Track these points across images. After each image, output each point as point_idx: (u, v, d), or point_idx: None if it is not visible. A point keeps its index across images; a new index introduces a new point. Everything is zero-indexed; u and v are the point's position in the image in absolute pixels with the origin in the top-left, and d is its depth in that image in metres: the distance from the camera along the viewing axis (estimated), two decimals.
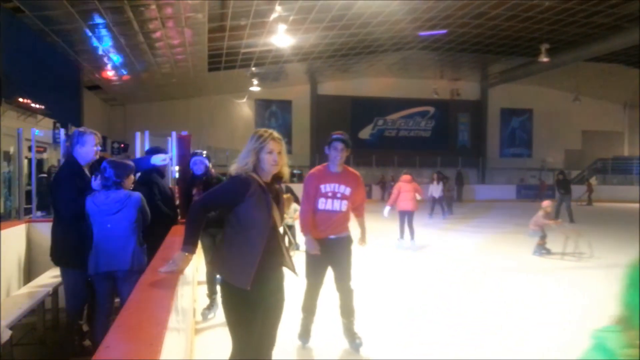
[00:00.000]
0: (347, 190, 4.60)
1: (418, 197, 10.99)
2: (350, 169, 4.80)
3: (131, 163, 4.28)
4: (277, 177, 3.06)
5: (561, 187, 17.17)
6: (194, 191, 5.48)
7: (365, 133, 31.86)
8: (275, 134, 3.01)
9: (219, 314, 5.60)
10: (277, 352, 3.22)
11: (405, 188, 10.76)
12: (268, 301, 3.01)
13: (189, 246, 2.86)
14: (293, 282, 4.17)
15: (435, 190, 17.06)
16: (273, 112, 30.07)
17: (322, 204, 4.59)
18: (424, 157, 29.50)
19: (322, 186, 4.60)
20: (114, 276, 4.04)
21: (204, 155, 5.80)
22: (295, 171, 22.27)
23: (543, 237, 10.07)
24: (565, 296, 6.93)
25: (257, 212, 2.89)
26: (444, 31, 21.35)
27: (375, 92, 30.74)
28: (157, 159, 5.08)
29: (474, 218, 18.06)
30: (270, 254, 2.95)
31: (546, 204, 10.32)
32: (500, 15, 19.74)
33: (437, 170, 23.62)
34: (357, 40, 21.82)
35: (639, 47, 22.14)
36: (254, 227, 2.90)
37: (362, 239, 5.00)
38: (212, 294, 5.73)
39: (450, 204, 19.01)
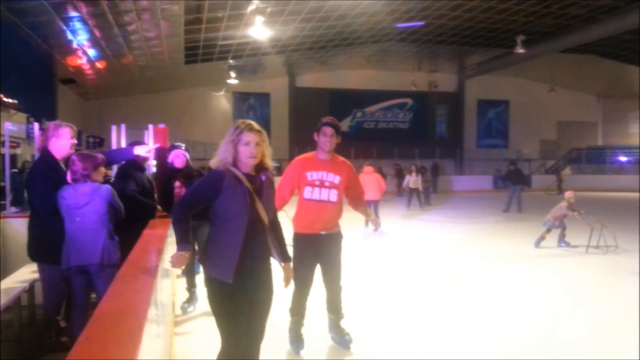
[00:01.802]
0: (337, 179, 4.27)
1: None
2: (341, 157, 4.46)
3: (100, 155, 4.22)
4: (262, 168, 3.04)
5: (510, 178, 16.60)
6: (176, 184, 5.43)
7: (344, 125, 31.83)
8: (254, 125, 2.98)
9: (199, 308, 5.59)
10: (267, 354, 3.20)
11: (367, 179, 11.37)
12: (254, 294, 3.01)
13: (183, 245, 2.90)
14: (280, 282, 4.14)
15: (414, 181, 17.17)
16: (251, 105, 29.92)
17: (309, 192, 4.26)
18: (402, 149, 29.65)
19: (308, 174, 4.26)
20: (87, 270, 4.02)
21: (184, 148, 5.77)
22: (274, 164, 22.15)
23: (561, 229, 9.80)
24: (554, 287, 6.95)
25: (233, 204, 2.89)
26: (421, 23, 21.43)
27: (354, 84, 30.76)
28: (141, 150, 5.03)
29: (452, 209, 18.22)
30: (254, 247, 2.95)
31: (569, 194, 9.93)
32: (477, 7, 19.88)
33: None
34: (335, 32, 21.79)
35: (612, 39, 22.56)
36: (231, 220, 2.90)
37: (373, 222, 4.86)
38: (191, 287, 5.70)
39: (428, 195, 19.17)
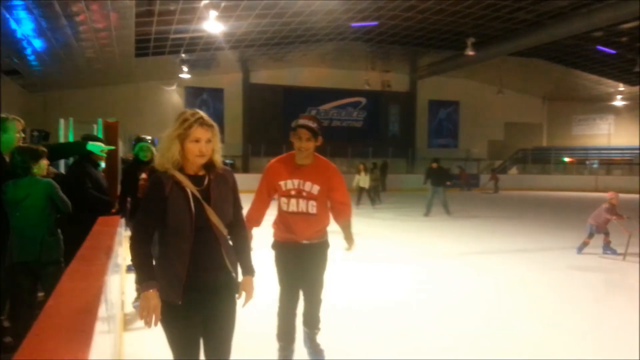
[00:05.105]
0: (315, 189, 3.67)
1: None
2: (324, 160, 3.84)
3: (41, 148, 4.10)
4: (211, 166, 2.63)
5: (431, 178, 14.88)
6: (142, 176, 5.30)
7: None
8: (205, 118, 2.55)
9: None
10: None
11: None
12: (209, 310, 2.63)
13: (146, 283, 2.46)
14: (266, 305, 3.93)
15: (363, 180, 17.30)
16: (204, 100, 29.49)
17: (285, 204, 3.71)
18: (356, 148, 29.89)
19: (282, 183, 3.69)
20: (30, 267, 3.91)
21: (150, 141, 5.66)
22: (227, 161, 21.98)
23: (591, 236, 8.89)
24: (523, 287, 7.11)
25: (176, 214, 2.50)
26: (375, 23, 21.67)
27: (309, 82, 30.80)
28: (95, 147, 4.82)
29: (403, 207, 18.49)
30: (205, 259, 2.56)
31: (611, 195, 8.91)
32: (429, 9, 20.25)
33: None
34: (289, 29, 21.76)
35: (558, 43, 23.43)
36: (176, 233, 2.52)
37: (348, 243, 3.99)
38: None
39: (378, 193, 19.28)
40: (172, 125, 2.56)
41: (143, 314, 2.45)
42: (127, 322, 5.09)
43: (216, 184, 2.63)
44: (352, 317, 5.38)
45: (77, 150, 5.00)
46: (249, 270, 2.77)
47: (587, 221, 9.00)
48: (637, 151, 31.41)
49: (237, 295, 2.73)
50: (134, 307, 5.47)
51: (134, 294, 5.59)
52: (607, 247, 8.89)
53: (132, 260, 2.59)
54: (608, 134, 34.05)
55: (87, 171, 4.95)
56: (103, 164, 6.40)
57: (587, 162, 33.07)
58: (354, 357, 4.29)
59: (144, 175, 5.27)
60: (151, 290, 2.45)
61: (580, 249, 8.90)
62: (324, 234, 3.87)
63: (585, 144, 35.06)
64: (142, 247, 2.51)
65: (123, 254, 6.00)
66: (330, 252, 3.94)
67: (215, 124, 2.61)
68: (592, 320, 5.39)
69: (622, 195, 9.45)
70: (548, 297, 6.30)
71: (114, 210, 5.15)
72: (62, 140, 7.96)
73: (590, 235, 8.86)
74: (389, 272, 7.72)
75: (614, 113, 34.40)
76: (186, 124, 2.50)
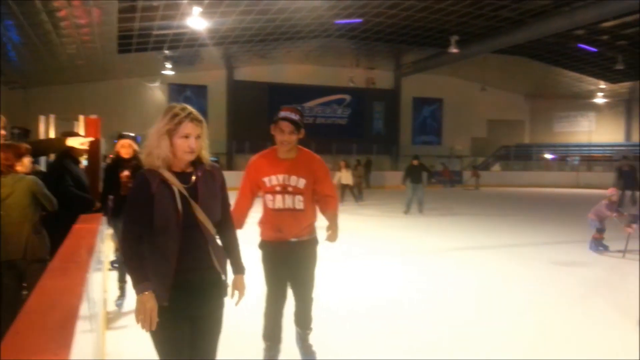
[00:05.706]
0: (302, 183, 3.56)
1: None
2: (308, 152, 3.74)
3: (24, 145, 4.05)
4: (198, 163, 2.56)
5: (411, 175, 14.52)
6: (125, 173, 5.23)
7: None
8: (195, 113, 2.49)
9: (127, 304, 5.34)
10: None
11: None
12: (196, 311, 2.56)
13: (141, 285, 2.38)
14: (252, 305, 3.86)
15: (345, 177, 17.29)
16: (187, 97, 29.22)
17: (270, 201, 3.59)
18: (340, 145, 29.88)
19: (266, 179, 3.57)
20: (15, 265, 3.86)
21: (132, 137, 5.58)
22: (211, 158, 21.71)
23: (600, 231, 8.79)
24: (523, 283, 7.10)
25: (163, 213, 2.42)
26: (359, 20, 21.69)
27: (293, 79, 30.73)
28: (75, 141, 4.75)
29: (387, 203, 18.53)
30: (193, 259, 2.49)
31: (611, 191, 8.95)
32: (414, 6, 20.32)
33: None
34: (274, 25, 21.69)
35: (540, 41, 23.65)
36: (162, 232, 2.43)
37: (331, 232, 3.61)
38: (121, 282, 5.49)
39: (361, 190, 19.29)
40: (159, 120, 2.48)
41: (139, 317, 2.37)
42: (109, 321, 5.05)
43: (204, 181, 2.56)
44: (344, 315, 5.35)
45: (57, 147, 4.93)
46: (239, 269, 2.73)
47: (588, 216, 8.94)
48: (618, 148, 31.84)
49: (229, 295, 2.68)
50: (117, 305, 5.43)
51: (117, 292, 5.54)
52: (600, 243, 8.90)
53: (124, 262, 2.54)
54: (589, 130, 34.49)
55: (67, 168, 4.88)
56: (85, 161, 6.34)
57: (569, 159, 33.46)
58: (346, 357, 4.28)
59: (126, 173, 5.22)
60: (146, 293, 2.37)
61: (594, 247, 8.86)
62: (312, 230, 3.74)
63: (567, 140, 35.49)
64: (133, 248, 2.44)
65: (106, 251, 5.95)
66: (320, 249, 3.87)
67: (204, 120, 2.57)
68: (591, 319, 5.37)
69: (602, 192, 9.53)
70: (543, 294, 6.27)
71: (95, 209, 5.09)
72: (42, 137, 7.85)
73: (598, 231, 8.79)
74: (379, 269, 7.71)
75: (595, 110, 34.83)
76: (176, 119, 2.43)
